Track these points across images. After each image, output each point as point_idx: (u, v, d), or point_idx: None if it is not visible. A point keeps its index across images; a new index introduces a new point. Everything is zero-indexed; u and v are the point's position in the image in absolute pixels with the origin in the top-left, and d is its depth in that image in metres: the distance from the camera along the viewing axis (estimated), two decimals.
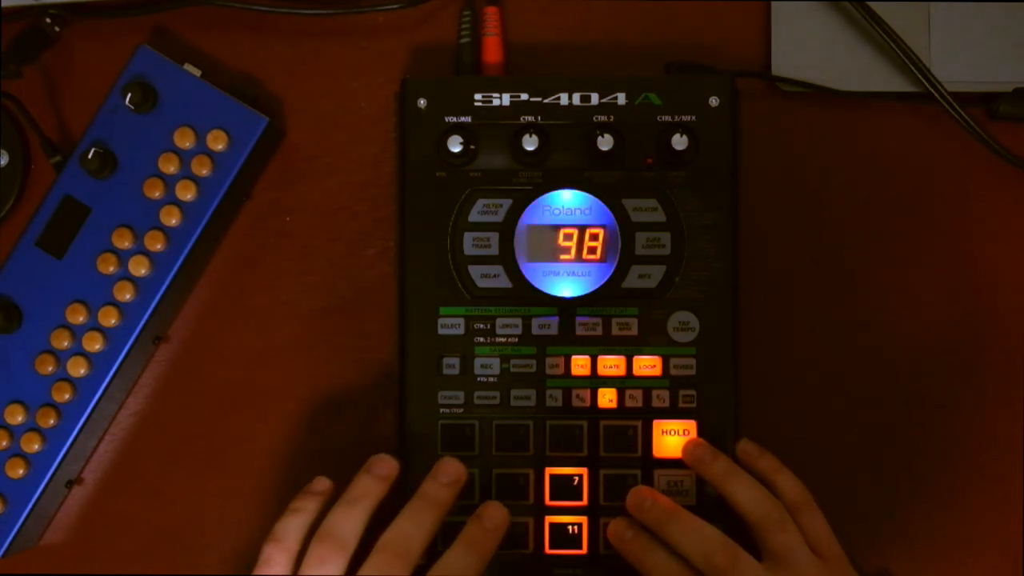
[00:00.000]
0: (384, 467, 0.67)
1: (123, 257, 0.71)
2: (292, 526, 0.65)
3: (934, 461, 0.74)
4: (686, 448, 0.69)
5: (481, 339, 0.71)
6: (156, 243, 0.71)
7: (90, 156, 0.70)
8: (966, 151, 0.75)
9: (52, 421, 0.70)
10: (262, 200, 0.76)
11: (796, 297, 0.74)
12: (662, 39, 0.75)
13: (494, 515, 0.66)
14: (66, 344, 0.71)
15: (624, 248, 0.71)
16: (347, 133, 0.76)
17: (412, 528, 0.64)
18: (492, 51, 0.74)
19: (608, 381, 0.70)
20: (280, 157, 0.76)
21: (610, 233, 0.71)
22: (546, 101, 0.71)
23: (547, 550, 0.70)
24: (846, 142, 0.75)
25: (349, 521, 0.64)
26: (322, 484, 0.67)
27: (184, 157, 0.72)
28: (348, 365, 0.74)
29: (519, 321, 0.71)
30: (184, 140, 0.71)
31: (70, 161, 0.72)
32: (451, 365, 0.70)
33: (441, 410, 0.70)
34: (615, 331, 0.70)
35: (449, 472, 0.67)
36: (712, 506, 0.69)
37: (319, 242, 0.75)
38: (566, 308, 0.71)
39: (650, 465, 0.70)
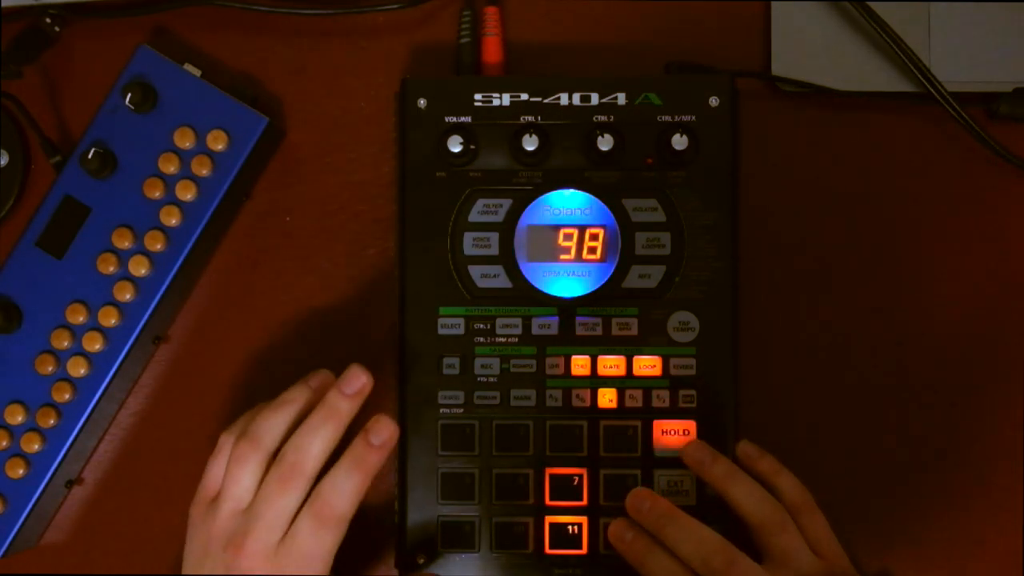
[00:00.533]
0: (317, 379, 0.68)
1: (123, 257, 0.71)
2: (272, 424, 0.65)
3: (935, 461, 0.74)
4: (686, 450, 0.69)
5: (481, 339, 0.71)
6: (156, 243, 0.71)
7: (90, 156, 0.70)
8: (966, 151, 0.75)
9: (52, 421, 0.70)
10: (262, 200, 0.76)
11: (796, 297, 0.74)
12: (662, 39, 0.75)
13: (381, 431, 0.66)
14: (66, 344, 0.71)
15: (624, 248, 0.71)
16: (347, 133, 0.76)
17: (308, 441, 0.64)
18: (492, 51, 0.74)
19: (608, 381, 0.70)
20: (280, 157, 0.76)
21: (610, 233, 0.71)
22: (546, 101, 0.71)
23: (547, 550, 0.70)
24: (846, 142, 0.75)
25: (269, 423, 0.65)
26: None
27: (184, 157, 0.72)
28: (348, 365, 0.74)
29: (519, 321, 0.71)
30: (184, 140, 0.71)
31: (70, 161, 0.72)
32: (451, 365, 0.70)
33: (441, 410, 0.70)
34: (615, 331, 0.70)
35: (352, 382, 0.66)
36: (712, 506, 0.69)
37: (319, 242, 0.75)
38: (566, 308, 0.71)
39: (650, 465, 0.70)
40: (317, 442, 0.64)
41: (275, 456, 0.65)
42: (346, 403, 0.66)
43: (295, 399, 0.66)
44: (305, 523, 0.63)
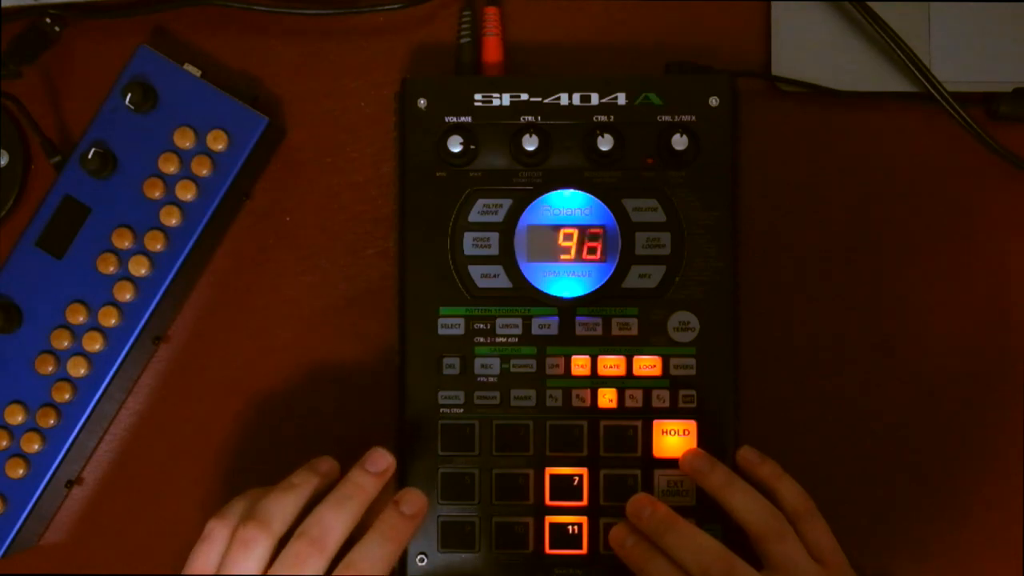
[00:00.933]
0: (324, 464, 0.66)
1: (123, 257, 0.71)
2: (239, 505, 0.63)
3: (936, 461, 0.74)
4: (684, 458, 0.69)
5: (481, 339, 0.71)
6: (156, 243, 0.71)
7: (90, 156, 0.70)
8: (966, 151, 0.75)
9: (52, 421, 0.70)
10: (262, 200, 0.76)
11: (796, 297, 0.74)
12: (662, 39, 0.75)
13: (412, 501, 0.65)
14: (66, 344, 0.71)
15: (624, 248, 0.71)
16: (347, 133, 0.76)
17: (332, 517, 0.62)
18: (492, 51, 0.74)
19: (608, 381, 0.70)
20: (280, 157, 0.76)
21: (610, 233, 0.71)
22: (546, 101, 0.71)
23: (547, 550, 0.70)
24: (846, 142, 0.75)
25: (279, 505, 0.62)
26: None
27: (184, 157, 0.72)
28: (348, 365, 0.74)
29: (519, 321, 0.71)
30: (184, 140, 0.71)
31: (70, 161, 0.72)
32: (451, 365, 0.70)
33: (441, 410, 0.70)
34: (615, 331, 0.70)
35: (377, 462, 0.65)
36: (712, 508, 0.69)
37: (319, 242, 0.75)
38: (566, 308, 0.71)
39: (650, 465, 0.70)
40: (342, 518, 0.62)
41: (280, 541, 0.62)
42: (371, 481, 0.64)
43: (304, 483, 0.64)
44: None
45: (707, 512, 0.69)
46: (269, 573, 0.61)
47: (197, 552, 0.63)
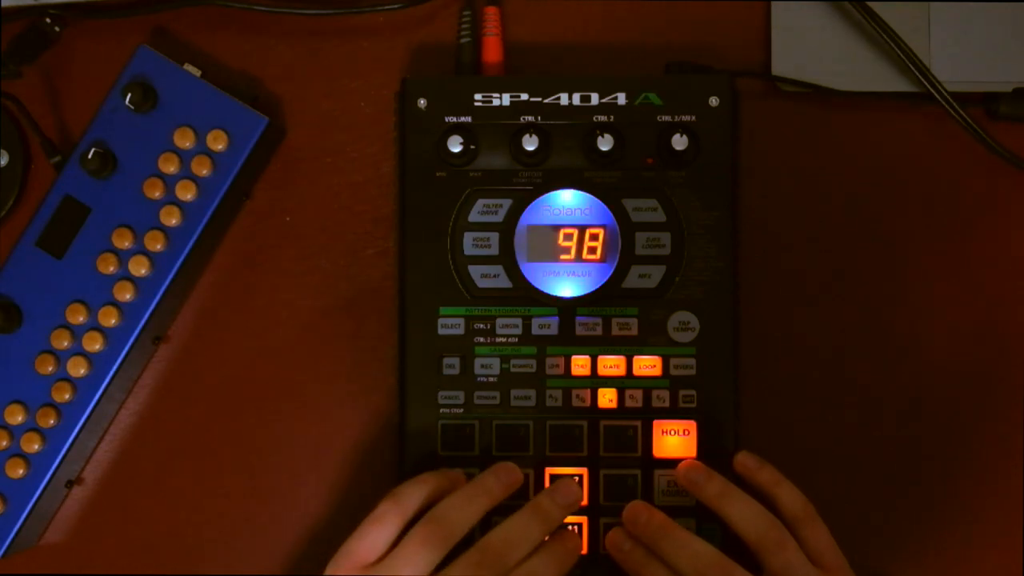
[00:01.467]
0: (511, 476, 0.67)
1: (123, 257, 0.71)
2: (415, 493, 0.65)
3: (935, 461, 0.74)
4: (680, 470, 0.69)
5: (481, 339, 0.71)
6: (156, 243, 0.71)
7: (90, 156, 0.70)
8: (966, 151, 0.75)
9: (52, 421, 0.70)
10: (262, 200, 0.76)
11: (796, 296, 0.74)
12: (662, 39, 0.75)
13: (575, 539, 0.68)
14: (66, 344, 0.71)
15: (624, 248, 0.71)
16: (347, 133, 0.76)
17: (518, 535, 0.64)
18: (492, 51, 0.74)
19: (608, 381, 0.70)
20: (280, 157, 0.76)
21: (610, 233, 0.71)
22: (546, 101, 0.71)
23: None
24: (846, 142, 0.75)
25: (463, 513, 0.64)
26: (456, 473, 0.68)
27: (184, 157, 0.72)
28: (348, 365, 0.74)
29: (519, 321, 0.71)
30: (184, 140, 0.71)
31: (70, 161, 0.72)
32: (451, 365, 0.70)
33: (441, 410, 0.70)
34: (615, 331, 0.70)
35: (567, 494, 0.67)
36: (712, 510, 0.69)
37: (319, 242, 0.75)
38: (566, 308, 0.71)
39: (650, 465, 0.70)
40: (526, 540, 0.64)
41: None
42: (558, 513, 0.66)
43: (489, 492, 0.66)
44: None
45: (707, 513, 0.68)
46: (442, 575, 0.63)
47: (366, 530, 0.64)
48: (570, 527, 0.69)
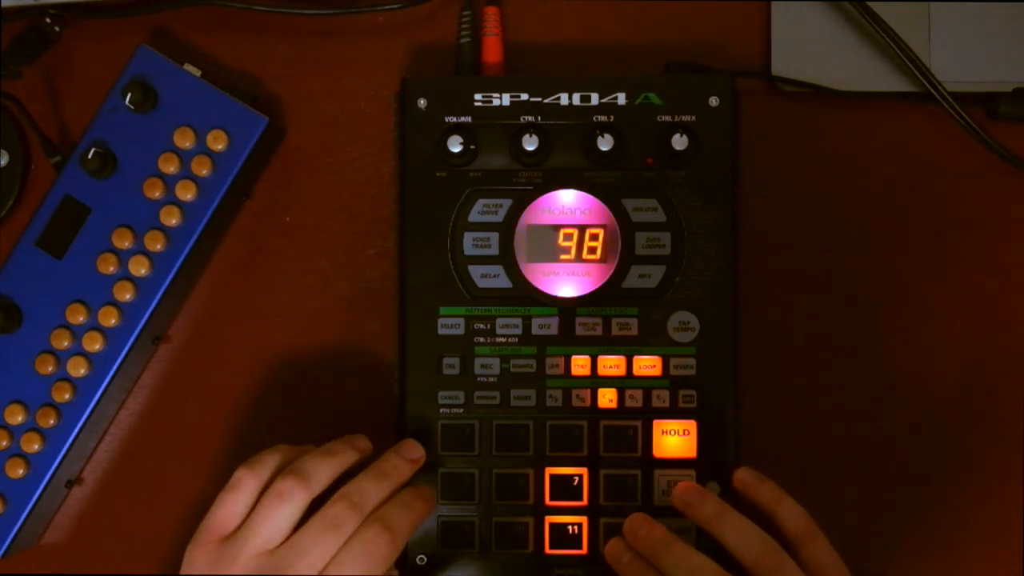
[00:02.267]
0: (361, 443, 0.67)
1: (123, 257, 0.71)
2: (270, 458, 0.64)
3: (936, 461, 0.74)
4: (675, 493, 0.68)
5: (481, 339, 0.71)
6: (156, 243, 0.71)
7: (90, 156, 0.70)
8: (966, 151, 0.75)
9: (52, 421, 0.70)
10: (262, 200, 0.76)
11: (796, 296, 0.74)
12: (662, 39, 0.75)
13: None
14: (66, 344, 0.71)
15: (624, 248, 0.71)
16: (347, 133, 0.76)
17: (372, 488, 0.64)
18: (492, 51, 0.74)
19: (608, 381, 0.70)
20: (280, 157, 0.76)
21: (610, 233, 0.71)
22: (546, 101, 0.71)
23: (547, 550, 0.70)
24: (846, 142, 0.75)
25: (320, 465, 0.64)
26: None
27: (184, 157, 0.72)
28: (348, 365, 0.74)
29: (519, 321, 0.71)
30: (184, 140, 0.71)
31: (70, 161, 0.72)
32: (451, 365, 0.70)
33: (441, 410, 0.70)
34: (615, 331, 0.70)
35: (411, 451, 0.68)
36: None
37: (319, 242, 0.75)
38: (566, 308, 0.71)
39: (650, 465, 0.70)
40: (380, 490, 0.64)
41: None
42: (406, 466, 0.67)
43: (342, 452, 0.65)
44: (358, 548, 0.62)
45: None
46: (304, 529, 0.62)
47: (223, 500, 0.63)
48: (570, 526, 0.69)
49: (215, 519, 0.63)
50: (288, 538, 0.62)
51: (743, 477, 0.68)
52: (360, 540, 0.62)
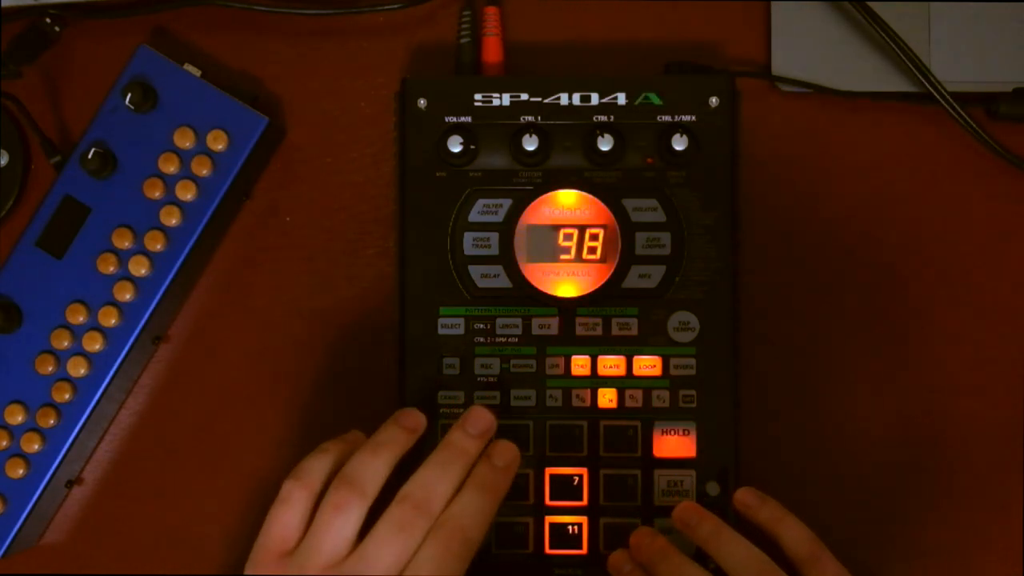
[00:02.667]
0: (411, 420, 0.64)
1: (123, 257, 0.71)
2: (317, 466, 0.61)
3: (936, 461, 0.74)
4: (675, 513, 0.68)
5: (481, 339, 0.71)
6: (156, 243, 0.71)
7: (90, 156, 0.70)
8: (966, 151, 0.75)
9: (52, 421, 0.70)
10: (262, 200, 0.76)
11: (796, 296, 0.74)
12: (662, 39, 0.75)
13: (504, 453, 0.63)
14: (66, 344, 0.71)
15: (624, 248, 0.71)
16: (347, 133, 0.76)
17: (435, 480, 0.61)
18: (492, 51, 0.74)
19: (608, 381, 0.70)
20: (280, 157, 0.76)
21: (610, 233, 0.71)
22: (546, 101, 0.71)
23: (547, 550, 0.70)
24: (846, 142, 0.75)
25: (371, 468, 0.61)
26: (353, 435, 0.64)
27: (184, 157, 0.72)
28: (348, 365, 0.74)
29: (519, 321, 0.71)
30: (184, 140, 0.71)
31: (70, 161, 0.72)
32: (451, 365, 0.70)
33: (441, 410, 0.70)
34: (615, 331, 0.70)
35: (478, 423, 0.63)
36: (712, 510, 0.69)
37: (319, 242, 0.75)
38: (566, 308, 0.71)
39: (650, 465, 0.70)
40: (445, 483, 0.61)
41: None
42: (474, 444, 0.63)
43: (392, 441, 0.62)
44: (431, 551, 0.59)
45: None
46: (371, 537, 0.59)
47: (276, 515, 0.61)
48: (570, 526, 0.69)
49: (271, 536, 0.60)
50: (355, 547, 0.60)
51: (743, 499, 0.67)
52: (434, 543, 0.59)
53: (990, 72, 0.75)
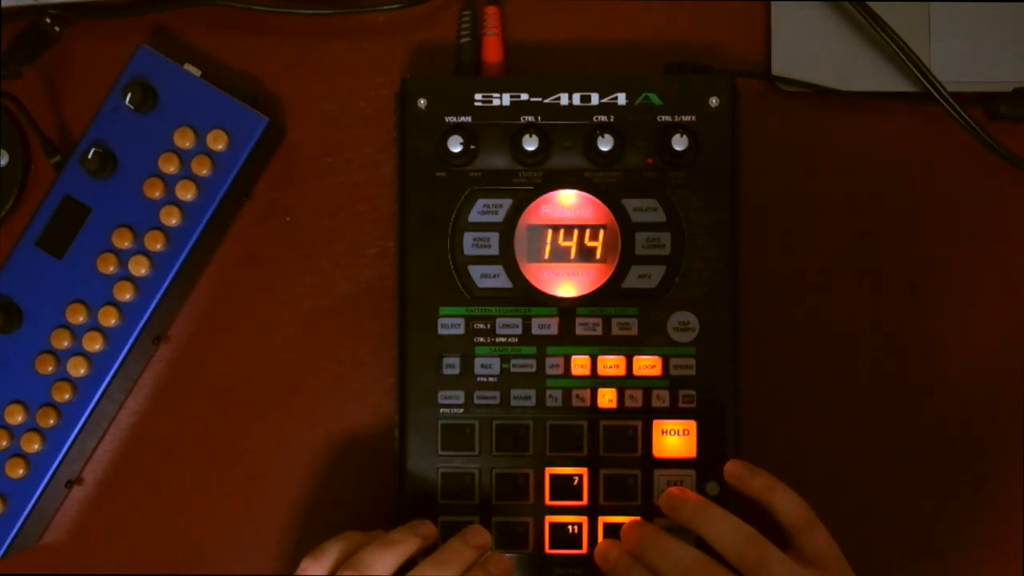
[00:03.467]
0: (424, 529, 0.67)
1: (123, 257, 0.71)
2: (335, 549, 0.64)
3: (936, 460, 0.74)
4: (661, 500, 0.68)
5: (481, 339, 0.71)
6: (156, 243, 0.71)
7: (90, 156, 0.70)
8: (966, 151, 0.75)
9: (52, 421, 0.70)
10: (262, 200, 0.76)
11: (796, 296, 0.75)
12: (662, 39, 0.76)
13: (499, 563, 0.66)
14: (66, 344, 0.71)
15: (624, 248, 0.71)
16: (347, 133, 0.76)
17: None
18: (492, 51, 0.74)
19: (608, 381, 0.70)
20: (280, 157, 0.76)
21: (610, 233, 0.71)
22: (546, 101, 0.71)
23: (547, 550, 0.70)
24: (846, 142, 0.75)
25: (380, 560, 0.63)
26: (377, 533, 0.66)
27: (184, 157, 0.72)
28: (348, 365, 0.74)
29: (519, 321, 0.71)
30: (184, 140, 0.71)
31: (70, 161, 0.72)
32: (451, 365, 0.70)
33: (441, 410, 0.70)
34: (615, 331, 0.70)
35: (477, 537, 0.66)
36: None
37: (319, 242, 0.75)
38: (566, 308, 0.71)
39: (650, 465, 0.70)
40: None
41: None
42: (470, 552, 0.65)
43: (404, 541, 0.65)
44: None
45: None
46: None
47: None
48: (570, 526, 0.69)
49: None
50: None
51: (733, 470, 0.68)
52: None
53: (990, 72, 0.75)
